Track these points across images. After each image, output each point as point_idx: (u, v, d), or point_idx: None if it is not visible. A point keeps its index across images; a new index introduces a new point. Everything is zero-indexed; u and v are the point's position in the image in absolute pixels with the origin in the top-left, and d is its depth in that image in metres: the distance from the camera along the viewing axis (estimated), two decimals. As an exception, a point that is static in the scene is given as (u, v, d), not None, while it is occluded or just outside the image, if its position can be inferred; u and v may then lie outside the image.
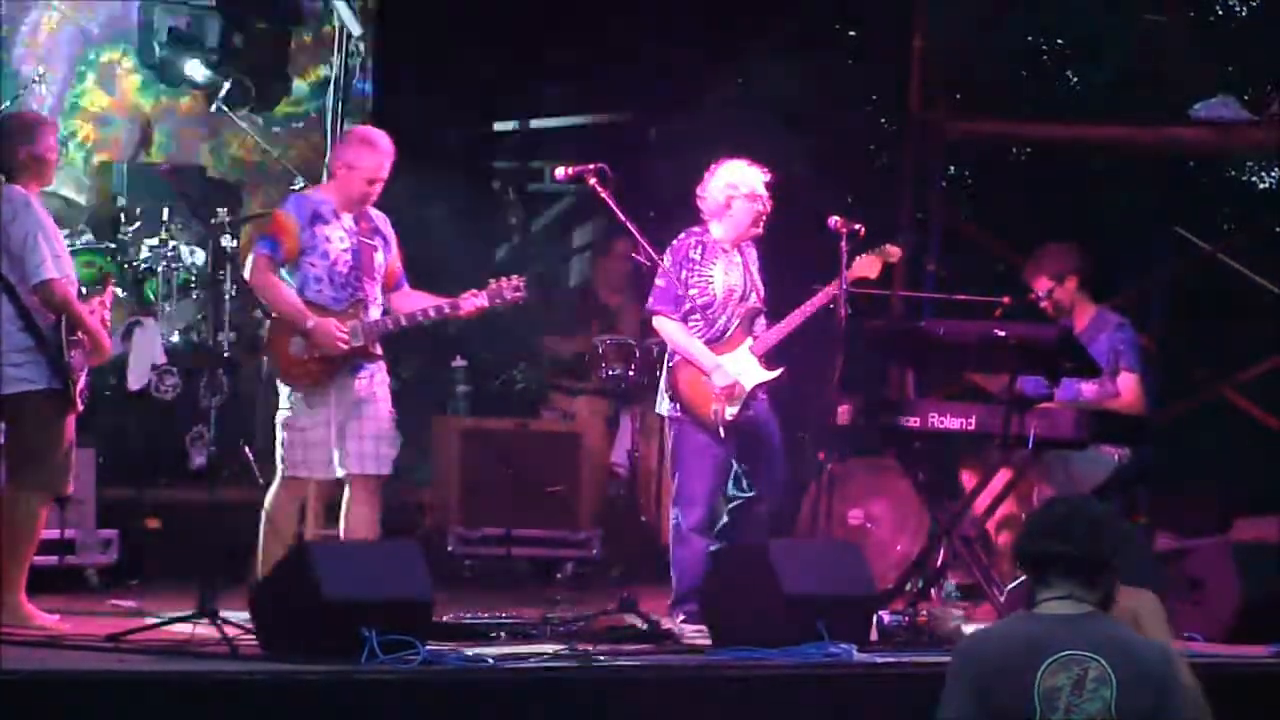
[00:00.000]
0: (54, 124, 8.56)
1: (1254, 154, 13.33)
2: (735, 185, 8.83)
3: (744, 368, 8.81)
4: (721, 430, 8.75)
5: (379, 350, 8.43)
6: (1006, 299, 9.45)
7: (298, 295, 8.34)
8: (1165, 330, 12.58)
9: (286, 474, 8.39)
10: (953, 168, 13.21)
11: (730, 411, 8.74)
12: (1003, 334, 8.90)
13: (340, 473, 8.35)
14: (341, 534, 8.43)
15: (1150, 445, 9.66)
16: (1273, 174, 14.07)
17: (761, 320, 8.91)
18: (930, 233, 12.07)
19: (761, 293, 8.92)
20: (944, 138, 12.16)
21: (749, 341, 8.85)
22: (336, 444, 8.31)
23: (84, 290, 8.29)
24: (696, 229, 8.90)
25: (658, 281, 8.83)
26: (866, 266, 8.98)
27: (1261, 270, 12.43)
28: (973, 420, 8.93)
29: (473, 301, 8.50)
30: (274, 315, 8.44)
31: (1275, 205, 13.70)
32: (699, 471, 8.81)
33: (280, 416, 8.40)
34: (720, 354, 8.81)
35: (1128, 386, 9.45)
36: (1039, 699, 4.86)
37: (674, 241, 8.89)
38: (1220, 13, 13.81)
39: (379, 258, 8.48)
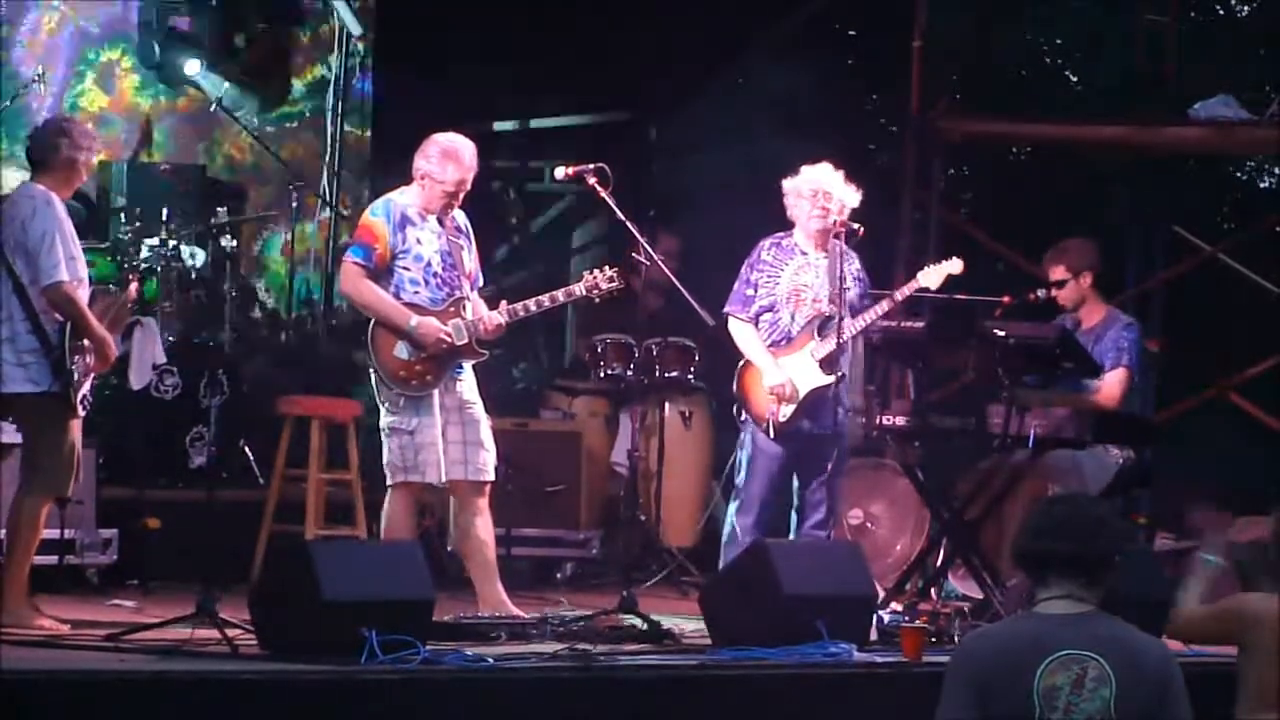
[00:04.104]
0: (98, 141, 8.46)
1: (1254, 154, 13.34)
2: (797, 189, 8.89)
3: (802, 371, 8.81)
4: (772, 431, 8.76)
5: (480, 349, 8.38)
6: (1007, 299, 9.44)
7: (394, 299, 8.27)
8: (1165, 330, 12.58)
9: (398, 481, 8.23)
10: (953, 168, 13.21)
11: (785, 412, 8.74)
12: (1003, 334, 8.89)
13: (443, 479, 8.23)
14: (458, 545, 8.37)
15: (1152, 446, 9.65)
16: (1273, 174, 14.08)
17: (842, 323, 8.74)
18: (930, 233, 12.07)
19: (844, 296, 8.73)
20: (944, 138, 12.17)
21: (812, 345, 8.85)
22: (443, 448, 8.21)
23: (112, 288, 8.21)
24: (783, 232, 8.98)
25: (736, 283, 8.95)
26: (929, 277, 8.98)
27: (1261, 270, 12.43)
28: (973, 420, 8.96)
29: (570, 293, 8.51)
30: (374, 321, 8.26)
31: (1275, 205, 13.70)
32: (755, 473, 8.86)
33: (385, 422, 8.23)
34: (783, 356, 8.83)
35: (1113, 380, 9.40)
36: (1038, 698, 4.86)
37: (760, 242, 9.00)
38: (1220, 13, 13.83)
39: (466, 256, 8.44)
